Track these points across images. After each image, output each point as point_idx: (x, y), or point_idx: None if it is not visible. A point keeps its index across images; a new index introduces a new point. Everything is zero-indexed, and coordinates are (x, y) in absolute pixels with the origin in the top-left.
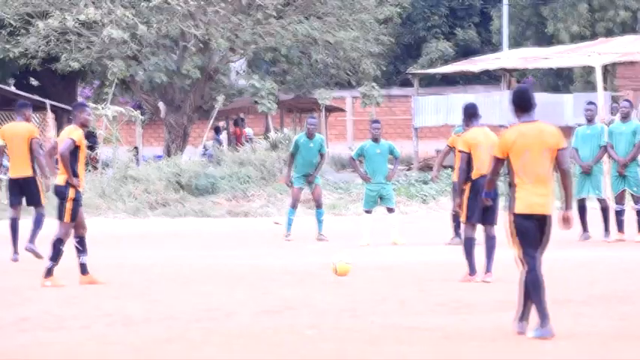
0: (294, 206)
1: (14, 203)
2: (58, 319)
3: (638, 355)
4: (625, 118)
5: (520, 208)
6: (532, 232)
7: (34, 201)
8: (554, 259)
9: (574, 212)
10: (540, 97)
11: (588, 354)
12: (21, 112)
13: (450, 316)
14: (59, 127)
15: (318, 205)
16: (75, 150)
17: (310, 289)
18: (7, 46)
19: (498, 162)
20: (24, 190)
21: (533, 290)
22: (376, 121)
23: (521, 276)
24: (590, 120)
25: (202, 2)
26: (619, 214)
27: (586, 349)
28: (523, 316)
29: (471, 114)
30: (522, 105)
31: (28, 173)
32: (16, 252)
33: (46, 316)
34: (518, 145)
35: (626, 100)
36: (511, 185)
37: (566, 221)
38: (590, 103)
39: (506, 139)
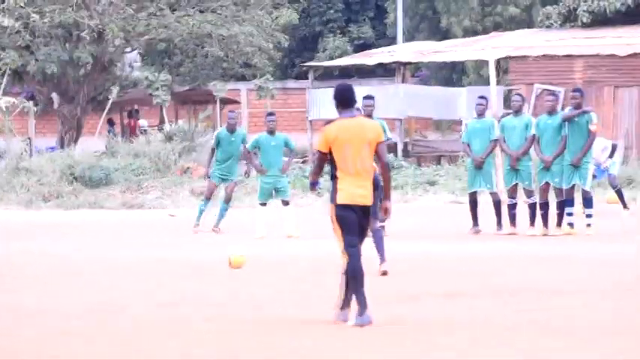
0: (207, 198)
1: None
2: None
3: (529, 344)
4: (517, 112)
5: (342, 199)
6: (353, 222)
7: None
8: (446, 251)
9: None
10: (435, 91)
11: (484, 344)
12: None
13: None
14: None
15: (227, 200)
16: None
17: (205, 281)
18: None
19: (322, 156)
20: None
21: (352, 280)
22: (271, 114)
23: (344, 267)
24: (480, 114)
25: None
26: (511, 207)
27: (482, 339)
28: (344, 305)
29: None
30: (343, 101)
31: None
32: None
33: None
34: (339, 140)
35: (518, 94)
36: (333, 177)
37: (385, 211)
38: (482, 97)
39: (328, 134)
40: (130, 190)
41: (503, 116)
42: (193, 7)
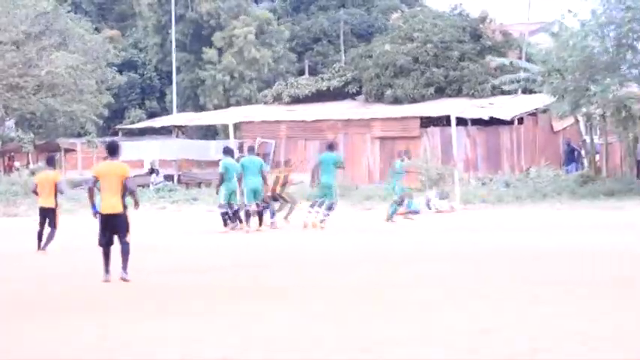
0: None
1: None
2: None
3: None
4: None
5: (102, 209)
6: (105, 223)
7: None
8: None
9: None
10: (196, 142)
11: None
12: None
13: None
14: None
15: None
16: None
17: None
18: None
19: (96, 179)
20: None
21: (104, 255)
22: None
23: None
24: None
25: None
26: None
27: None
28: (107, 270)
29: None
30: (110, 150)
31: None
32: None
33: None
34: (104, 172)
35: (251, 147)
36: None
37: (136, 204)
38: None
39: (98, 168)
40: (9, 205)
41: (239, 158)
42: (50, 93)
